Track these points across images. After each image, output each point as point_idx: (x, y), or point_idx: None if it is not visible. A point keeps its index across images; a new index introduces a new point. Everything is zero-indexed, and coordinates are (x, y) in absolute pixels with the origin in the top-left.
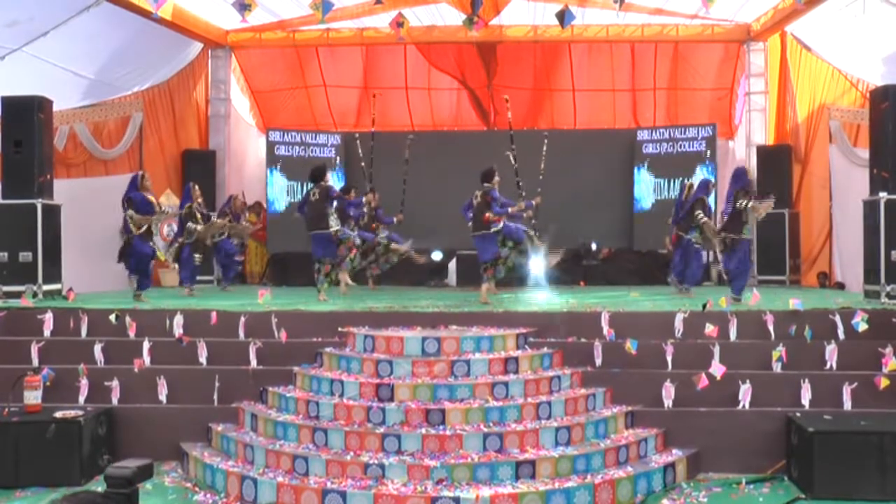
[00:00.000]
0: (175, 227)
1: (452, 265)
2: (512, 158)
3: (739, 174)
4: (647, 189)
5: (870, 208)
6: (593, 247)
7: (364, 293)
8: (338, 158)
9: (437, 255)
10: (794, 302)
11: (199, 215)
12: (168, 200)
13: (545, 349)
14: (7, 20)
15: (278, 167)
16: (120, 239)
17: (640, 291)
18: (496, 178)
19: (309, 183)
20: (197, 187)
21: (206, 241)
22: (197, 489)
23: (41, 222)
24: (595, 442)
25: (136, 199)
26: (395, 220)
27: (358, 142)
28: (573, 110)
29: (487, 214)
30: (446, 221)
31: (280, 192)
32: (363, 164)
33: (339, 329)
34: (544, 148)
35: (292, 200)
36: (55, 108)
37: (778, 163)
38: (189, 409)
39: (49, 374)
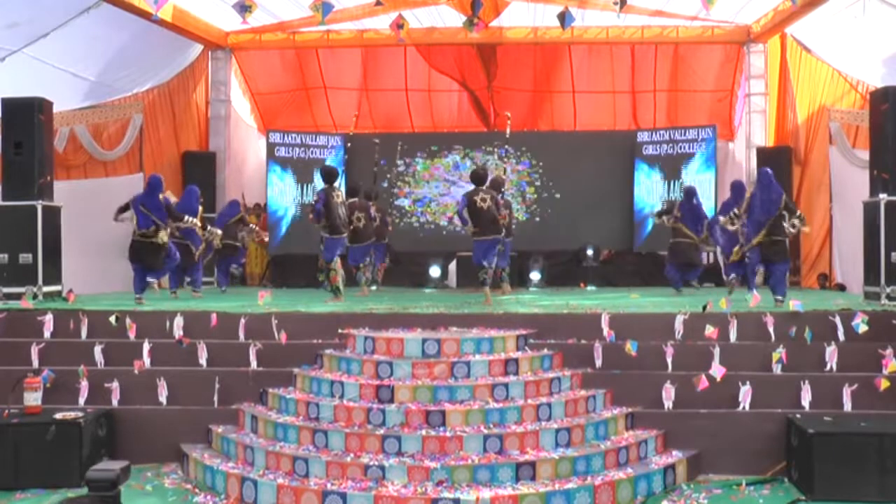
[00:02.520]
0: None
1: (453, 266)
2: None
3: (741, 187)
4: (647, 191)
5: (870, 210)
6: (589, 252)
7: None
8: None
9: (434, 271)
10: (795, 303)
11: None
12: None
13: (545, 350)
14: (7, 21)
15: (278, 168)
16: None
17: (641, 293)
18: None
19: (324, 184)
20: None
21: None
22: (197, 491)
23: (41, 224)
24: (595, 443)
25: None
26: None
27: (377, 146)
28: (573, 112)
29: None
30: (446, 223)
31: (280, 194)
32: (375, 169)
33: (339, 330)
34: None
35: (302, 202)
36: (55, 109)
37: (778, 164)
38: (189, 410)
39: (49, 375)
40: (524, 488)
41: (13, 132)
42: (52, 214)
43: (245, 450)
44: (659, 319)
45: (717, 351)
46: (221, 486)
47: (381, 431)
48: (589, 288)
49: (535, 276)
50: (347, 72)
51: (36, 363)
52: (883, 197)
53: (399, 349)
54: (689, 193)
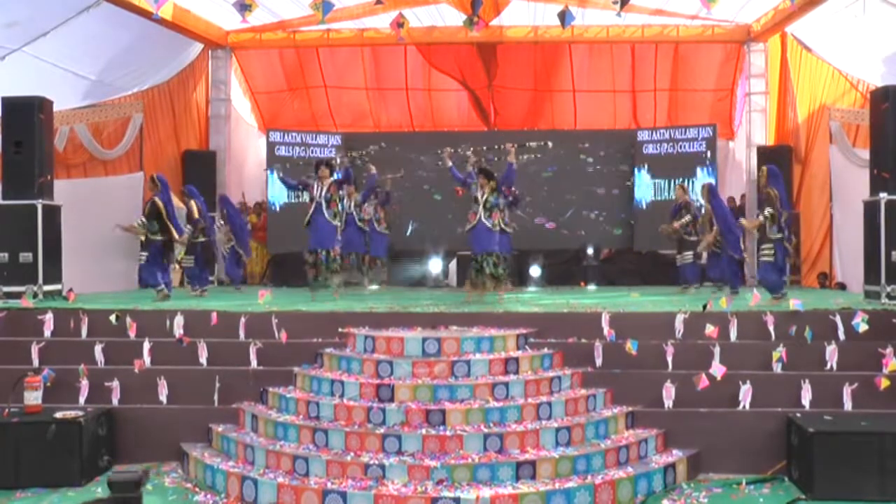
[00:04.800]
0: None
1: (453, 265)
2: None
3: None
4: (647, 190)
5: (870, 209)
6: (590, 251)
7: (364, 293)
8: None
9: (435, 265)
10: (795, 302)
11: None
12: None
13: (545, 350)
14: (7, 20)
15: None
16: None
17: (641, 292)
18: None
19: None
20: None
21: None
22: (197, 490)
23: (41, 223)
24: (595, 442)
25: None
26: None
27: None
28: (573, 111)
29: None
30: (447, 221)
31: (280, 193)
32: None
33: (340, 330)
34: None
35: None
36: (55, 108)
37: (778, 163)
38: (189, 409)
39: (49, 374)
40: (524, 487)
41: (13, 131)
42: (53, 213)
43: (245, 449)
44: (659, 318)
45: (717, 350)
46: (221, 485)
47: (382, 430)
48: (590, 287)
49: (534, 270)
50: (348, 71)
51: (36, 362)
52: (883, 196)
53: (399, 348)
54: (712, 192)
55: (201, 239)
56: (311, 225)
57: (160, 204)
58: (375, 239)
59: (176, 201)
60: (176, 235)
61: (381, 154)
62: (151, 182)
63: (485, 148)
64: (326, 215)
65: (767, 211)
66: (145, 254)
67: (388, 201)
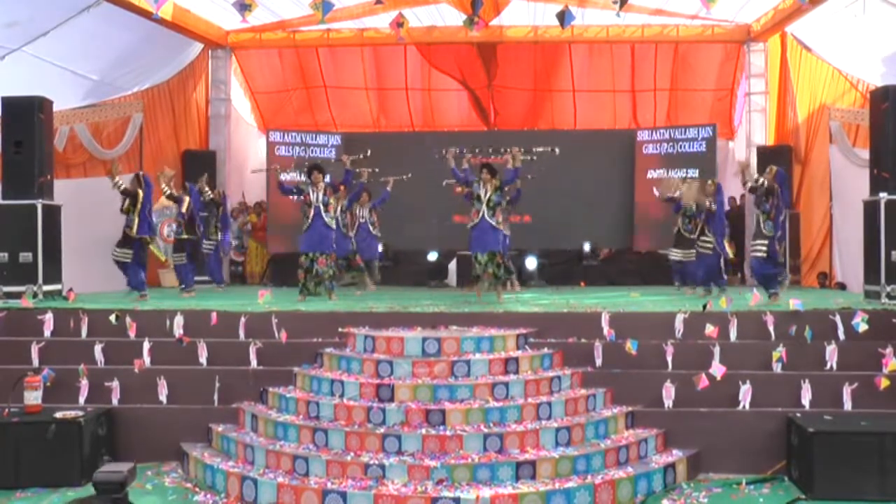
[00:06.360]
0: (174, 227)
1: (452, 265)
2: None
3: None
4: (646, 189)
5: (870, 209)
6: (586, 248)
7: (366, 294)
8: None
9: (432, 256)
10: (795, 302)
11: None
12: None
13: (545, 349)
14: (7, 20)
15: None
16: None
17: (641, 292)
18: None
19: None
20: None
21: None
22: (197, 490)
23: (41, 223)
24: (595, 442)
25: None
26: None
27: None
28: (573, 111)
29: None
30: (446, 221)
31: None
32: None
33: (340, 329)
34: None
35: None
36: (55, 108)
37: (778, 163)
38: (189, 409)
39: (49, 374)
40: (524, 487)
41: (13, 131)
42: (52, 213)
43: (245, 449)
44: (659, 318)
45: (717, 350)
46: (221, 485)
47: (382, 430)
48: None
49: (530, 263)
50: (348, 70)
51: (36, 362)
52: (883, 196)
53: (399, 348)
54: (719, 190)
55: (188, 237)
56: (310, 230)
57: (139, 197)
58: (368, 241)
59: (163, 200)
60: (128, 229)
61: (383, 153)
62: (136, 179)
63: (490, 150)
64: (325, 219)
65: (760, 181)
66: (130, 251)
67: (384, 201)
